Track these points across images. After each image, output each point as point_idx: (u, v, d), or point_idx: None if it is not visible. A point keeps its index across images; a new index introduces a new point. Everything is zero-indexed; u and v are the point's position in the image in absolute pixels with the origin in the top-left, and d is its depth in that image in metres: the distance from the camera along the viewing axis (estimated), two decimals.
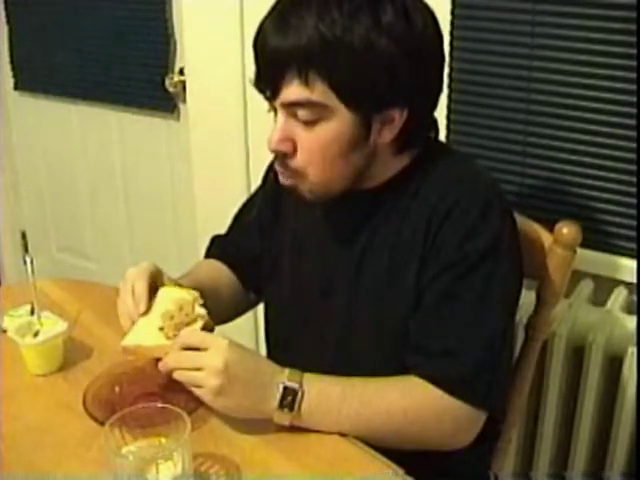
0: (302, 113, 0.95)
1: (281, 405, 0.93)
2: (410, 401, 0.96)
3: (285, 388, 0.93)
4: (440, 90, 1.03)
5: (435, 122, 1.06)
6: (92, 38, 2.29)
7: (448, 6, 1.48)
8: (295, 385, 0.93)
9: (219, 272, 1.26)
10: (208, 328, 1.01)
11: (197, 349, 0.94)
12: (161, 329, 1.00)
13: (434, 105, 1.03)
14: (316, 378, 0.96)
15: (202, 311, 1.02)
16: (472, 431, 0.99)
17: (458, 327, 0.98)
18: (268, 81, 0.97)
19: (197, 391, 0.93)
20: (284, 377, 0.94)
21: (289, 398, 0.93)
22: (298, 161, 0.99)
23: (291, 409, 0.93)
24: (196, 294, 1.04)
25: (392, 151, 1.02)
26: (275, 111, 0.99)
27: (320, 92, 0.93)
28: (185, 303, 1.02)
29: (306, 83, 0.92)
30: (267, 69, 0.96)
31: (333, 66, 0.92)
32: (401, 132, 0.99)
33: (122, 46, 2.22)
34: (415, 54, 0.94)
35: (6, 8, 2.50)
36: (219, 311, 1.13)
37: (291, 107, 0.95)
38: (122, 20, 2.20)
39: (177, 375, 0.94)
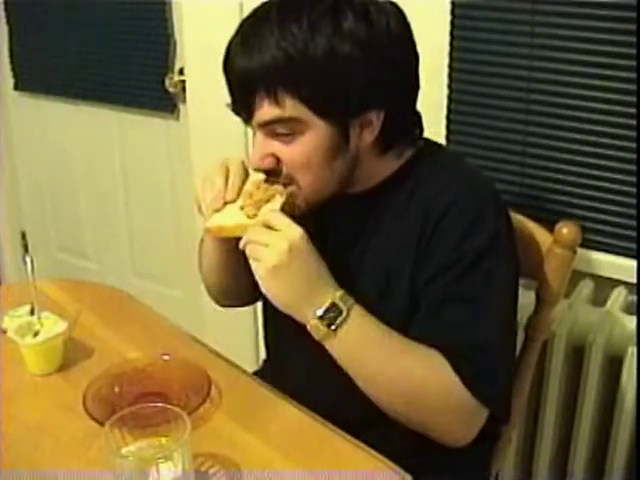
0: (279, 130, 0.96)
1: (322, 317, 0.94)
2: (431, 372, 0.95)
3: (333, 304, 0.94)
4: (417, 87, 1.03)
5: (419, 119, 1.06)
6: (92, 38, 2.29)
7: (448, 6, 1.48)
8: (343, 306, 0.94)
9: None
10: (287, 209, 0.99)
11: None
12: (241, 209, 1.00)
13: (412, 103, 1.03)
14: (363, 314, 0.96)
15: (279, 187, 1.01)
16: (472, 425, 0.98)
17: (457, 328, 0.97)
18: (241, 104, 0.98)
19: (254, 264, 0.94)
20: (336, 294, 0.95)
21: (332, 314, 0.94)
22: (286, 172, 1.00)
23: (329, 325, 0.94)
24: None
25: (376, 152, 1.03)
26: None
27: (291, 107, 0.94)
28: (261, 181, 1.02)
29: (276, 101, 0.94)
30: (238, 92, 0.98)
31: (300, 80, 0.92)
32: (381, 132, 1.00)
33: (122, 46, 2.22)
34: (381, 56, 0.94)
35: (6, 8, 2.50)
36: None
37: (267, 126, 0.97)
38: (122, 20, 2.20)
39: (248, 249, 0.95)
